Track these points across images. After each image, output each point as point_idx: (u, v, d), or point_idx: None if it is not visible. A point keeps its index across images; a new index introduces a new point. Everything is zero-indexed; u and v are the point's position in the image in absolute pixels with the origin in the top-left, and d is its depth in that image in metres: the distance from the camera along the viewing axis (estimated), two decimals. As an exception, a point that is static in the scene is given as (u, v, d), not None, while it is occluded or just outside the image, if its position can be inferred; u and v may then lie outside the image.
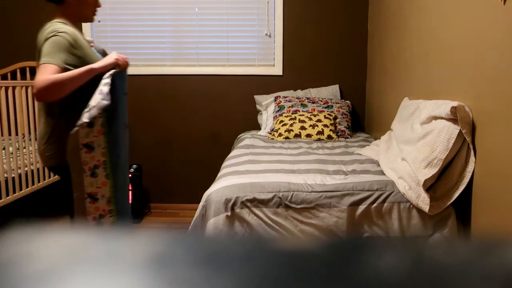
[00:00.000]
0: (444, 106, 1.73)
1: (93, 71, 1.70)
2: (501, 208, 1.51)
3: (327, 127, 3.03)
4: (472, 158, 1.68)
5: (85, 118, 1.65)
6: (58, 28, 1.71)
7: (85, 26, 3.53)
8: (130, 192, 3.36)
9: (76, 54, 1.72)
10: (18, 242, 0.27)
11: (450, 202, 1.72)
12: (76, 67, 1.70)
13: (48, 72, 1.60)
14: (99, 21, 3.56)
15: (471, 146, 1.68)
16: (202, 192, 3.22)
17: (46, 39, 1.70)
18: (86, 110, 1.66)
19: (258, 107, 3.51)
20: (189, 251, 0.26)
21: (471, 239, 0.27)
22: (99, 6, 1.91)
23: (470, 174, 1.68)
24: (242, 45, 3.59)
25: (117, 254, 0.26)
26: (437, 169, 1.70)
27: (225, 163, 2.40)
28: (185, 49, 3.60)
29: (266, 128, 3.32)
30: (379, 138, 2.78)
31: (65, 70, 1.66)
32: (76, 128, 1.65)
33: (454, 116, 1.68)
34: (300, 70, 3.57)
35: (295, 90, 3.57)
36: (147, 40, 3.58)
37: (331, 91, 3.50)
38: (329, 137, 3.00)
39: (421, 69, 2.30)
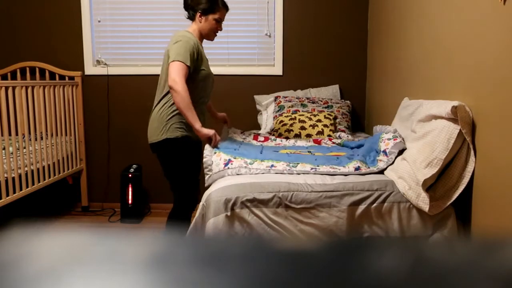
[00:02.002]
0: (444, 106, 1.73)
1: (195, 129, 2.19)
2: (501, 208, 1.51)
3: (327, 127, 3.03)
4: (472, 158, 1.69)
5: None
6: (187, 36, 2.21)
7: (85, 26, 3.53)
8: (130, 191, 3.37)
9: (195, 62, 2.22)
10: (18, 242, 0.27)
11: (450, 202, 1.72)
12: (194, 70, 2.22)
13: (181, 71, 2.12)
14: (99, 21, 3.56)
15: (471, 146, 1.68)
16: (202, 192, 3.22)
17: (177, 41, 2.18)
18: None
19: (258, 107, 3.51)
20: (189, 251, 0.26)
21: (471, 239, 0.27)
22: (220, 29, 2.38)
23: (470, 174, 1.68)
24: (242, 45, 3.59)
25: (117, 254, 0.26)
26: (437, 169, 1.70)
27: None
28: (185, 49, 3.59)
29: (266, 128, 3.32)
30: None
31: (188, 69, 2.17)
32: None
33: (455, 116, 1.68)
34: (300, 70, 3.57)
35: (295, 90, 3.57)
36: (147, 40, 3.58)
37: (331, 91, 3.50)
38: (329, 137, 3.00)
39: (421, 69, 2.30)
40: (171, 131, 2.23)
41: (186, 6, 2.37)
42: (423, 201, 1.72)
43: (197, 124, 2.16)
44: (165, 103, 2.24)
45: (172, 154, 2.26)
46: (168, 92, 2.23)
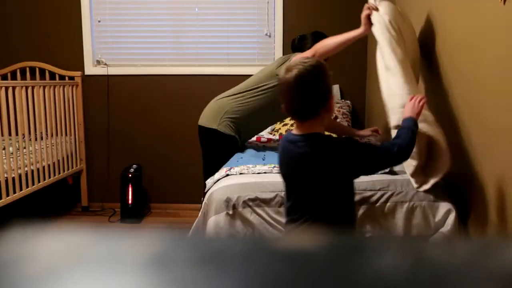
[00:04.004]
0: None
1: (358, 35, 2.16)
2: (501, 208, 1.51)
3: (327, 127, 3.02)
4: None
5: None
6: None
7: (85, 26, 3.53)
8: (130, 191, 3.36)
9: None
10: (18, 242, 0.27)
11: (439, 178, 1.74)
12: None
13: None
14: (99, 21, 3.56)
15: None
16: (202, 192, 3.21)
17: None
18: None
19: (258, 107, 3.51)
20: (190, 250, 0.26)
21: (471, 239, 0.27)
22: None
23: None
24: (242, 45, 3.59)
25: (117, 254, 0.26)
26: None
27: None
28: (185, 49, 3.59)
29: (267, 129, 3.32)
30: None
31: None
32: None
33: None
34: (300, 70, 3.56)
35: (295, 90, 3.56)
36: (147, 40, 3.58)
37: (331, 91, 3.50)
38: (329, 137, 3.00)
39: (421, 68, 2.30)
40: (223, 126, 2.36)
41: (294, 47, 2.53)
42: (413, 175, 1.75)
43: (355, 33, 2.18)
44: (237, 99, 2.39)
45: (213, 145, 2.41)
46: (246, 93, 2.38)
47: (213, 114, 2.41)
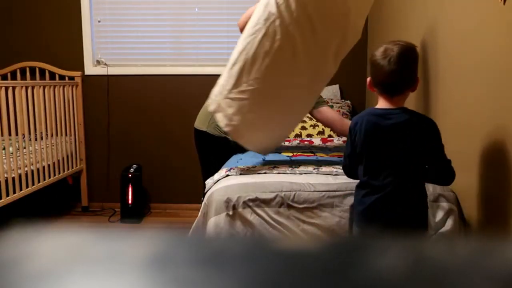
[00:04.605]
0: None
1: None
2: (501, 208, 1.51)
3: (327, 127, 3.02)
4: None
5: None
6: None
7: (85, 26, 3.53)
8: (130, 191, 3.36)
9: None
10: (18, 242, 0.27)
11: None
12: None
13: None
14: (99, 21, 3.56)
15: None
16: (202, 192, 3.21)
17: None
18: None
19: (258, 107, 3.51)
20: (190, 251, 0.26)
21: (471, 239, 0.27)
22: None
23: None
24: (242, 45, 3.58)
25: (117, 254, 0.26)
26: None
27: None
28: (185, 49, 3.59)
29: (266, 128, 3.32)
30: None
31: None
32: None
33: None
34: (300, 70, 3.56)
35: (295, 90, 3.56)
36: (147, 40, 3.58)
37: (331, 91, 3.50)
38: (330, 137, 3.00)
39: (420, 68, 2.30)
40: (212, 128, 2.40)
41: None
42: None
43: None
44: None
45: (206, 147, 2.48)
46: None
47: (204, 116, 2.45)
